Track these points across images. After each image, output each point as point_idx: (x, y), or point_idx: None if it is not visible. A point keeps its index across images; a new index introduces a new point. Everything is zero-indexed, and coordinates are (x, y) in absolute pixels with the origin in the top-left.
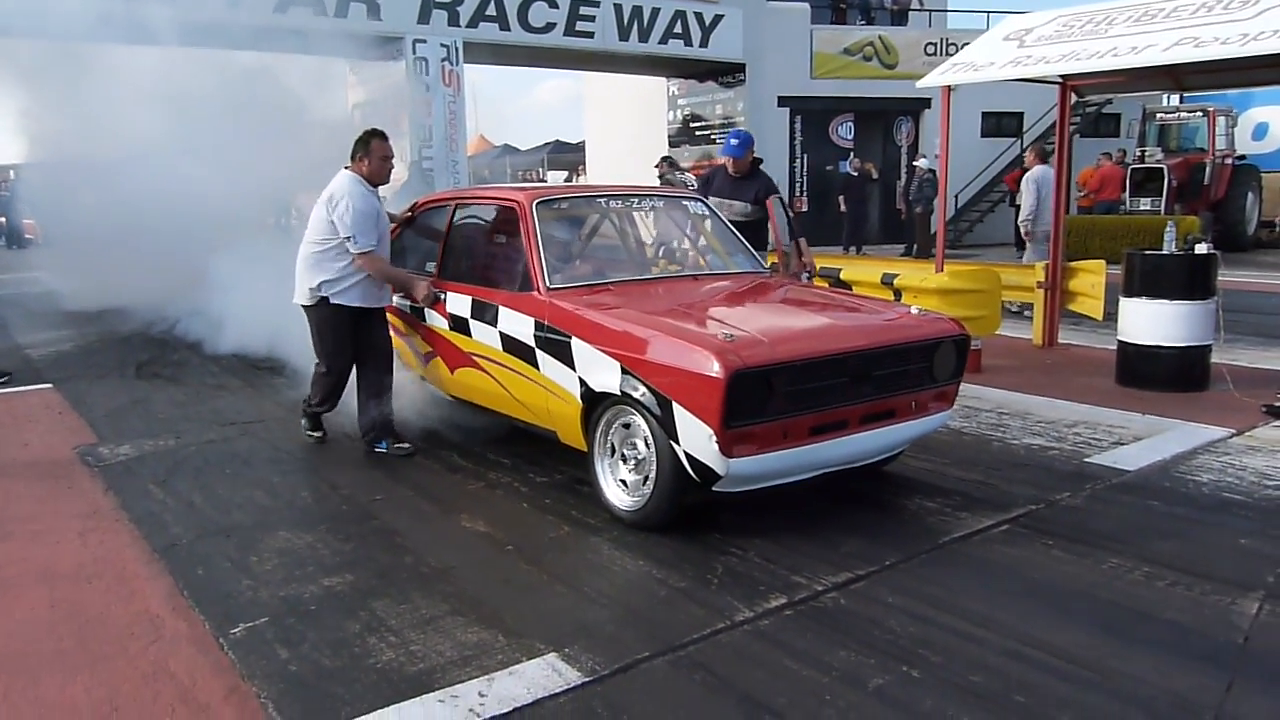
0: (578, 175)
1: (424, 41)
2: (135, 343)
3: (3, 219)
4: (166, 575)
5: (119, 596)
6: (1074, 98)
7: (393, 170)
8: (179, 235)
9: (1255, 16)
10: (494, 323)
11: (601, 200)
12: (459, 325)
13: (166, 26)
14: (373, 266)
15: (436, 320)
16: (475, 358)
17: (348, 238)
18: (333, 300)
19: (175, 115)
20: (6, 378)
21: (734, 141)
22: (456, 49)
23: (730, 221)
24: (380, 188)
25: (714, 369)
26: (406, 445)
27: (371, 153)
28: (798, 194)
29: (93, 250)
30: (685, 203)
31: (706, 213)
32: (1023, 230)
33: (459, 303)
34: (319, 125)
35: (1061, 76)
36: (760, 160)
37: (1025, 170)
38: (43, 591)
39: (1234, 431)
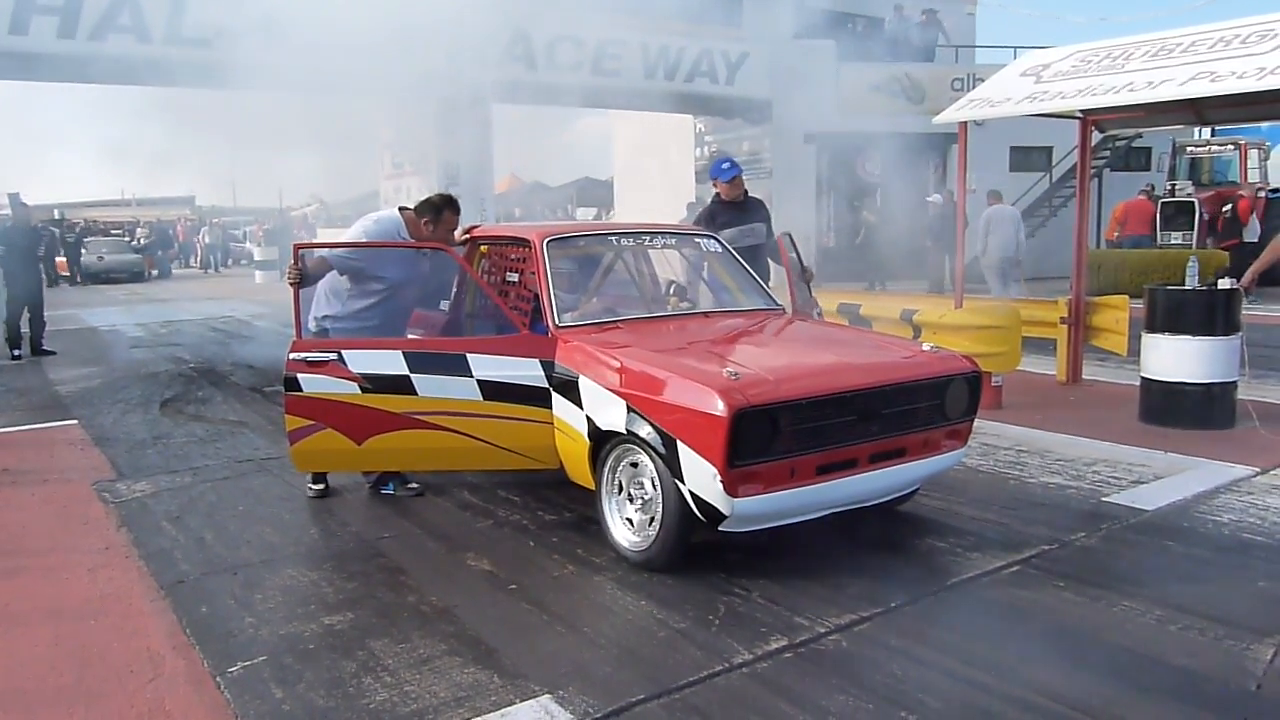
0: (607, 213)
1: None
2: (161, 379)
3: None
4: (170, 612)
5: (122, 633)
6: (1097, 133)
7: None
8: None
9: (1272, 51)
10: (465, 372)
11: (613, 238)
12: (388, 385)
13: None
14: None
15: (334, 387)
16: (418, 417)
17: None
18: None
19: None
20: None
21: (725, 165)
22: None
23: (741, 250)
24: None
25: (718, 407)
26: (415, 485)
27: (442, 223)
28: (825, 230)
29: None
30: (698, 240)
31: (719, 249)
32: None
33: (386, 360)
34: None
35: (1082, 111)
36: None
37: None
38: (48, 627)
39: (1258, 470)
